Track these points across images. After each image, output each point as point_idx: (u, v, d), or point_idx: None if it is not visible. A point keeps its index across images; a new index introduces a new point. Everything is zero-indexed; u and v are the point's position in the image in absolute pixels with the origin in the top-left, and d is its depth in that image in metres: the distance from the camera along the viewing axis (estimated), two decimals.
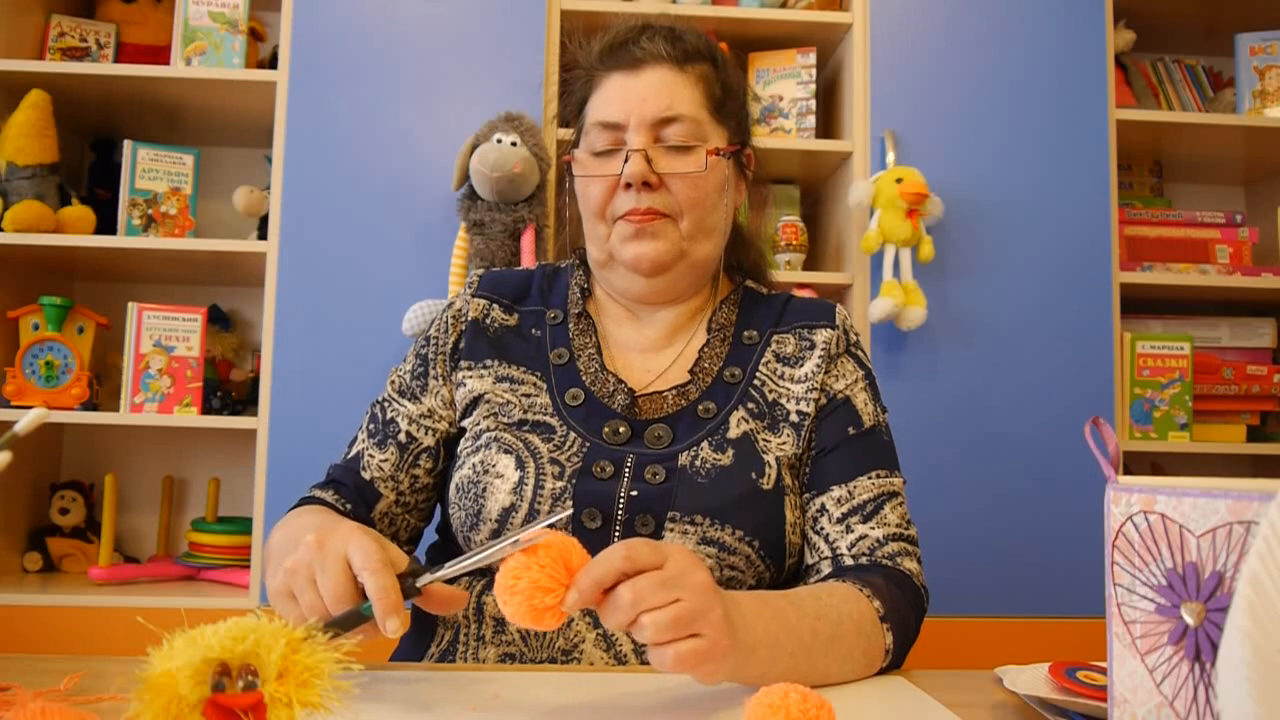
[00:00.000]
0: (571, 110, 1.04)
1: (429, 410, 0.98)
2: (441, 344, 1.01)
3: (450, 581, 0.71)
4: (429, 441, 0.98)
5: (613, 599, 0.63)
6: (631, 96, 0.95)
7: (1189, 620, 0.50)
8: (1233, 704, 0.43)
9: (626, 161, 0.93)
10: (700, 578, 0.66)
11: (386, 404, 1.00)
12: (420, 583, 0.67)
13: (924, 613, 0.89)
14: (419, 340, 1.03)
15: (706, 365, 0.97)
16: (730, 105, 1.00)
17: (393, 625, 0.63)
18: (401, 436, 0.97)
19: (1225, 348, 2.03)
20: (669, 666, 0.63)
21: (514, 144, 1.67)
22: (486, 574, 0.89)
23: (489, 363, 0.98)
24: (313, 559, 0.68)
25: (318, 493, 0.97)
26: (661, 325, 1.01)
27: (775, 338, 1.00)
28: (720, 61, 1.01)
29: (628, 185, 0.94)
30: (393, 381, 1.02)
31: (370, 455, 0.97)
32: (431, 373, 1.00)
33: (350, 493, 0.96)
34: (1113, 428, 1.81)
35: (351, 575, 0.66)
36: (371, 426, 0.99)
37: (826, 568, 0.90)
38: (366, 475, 0.96)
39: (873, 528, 0.90)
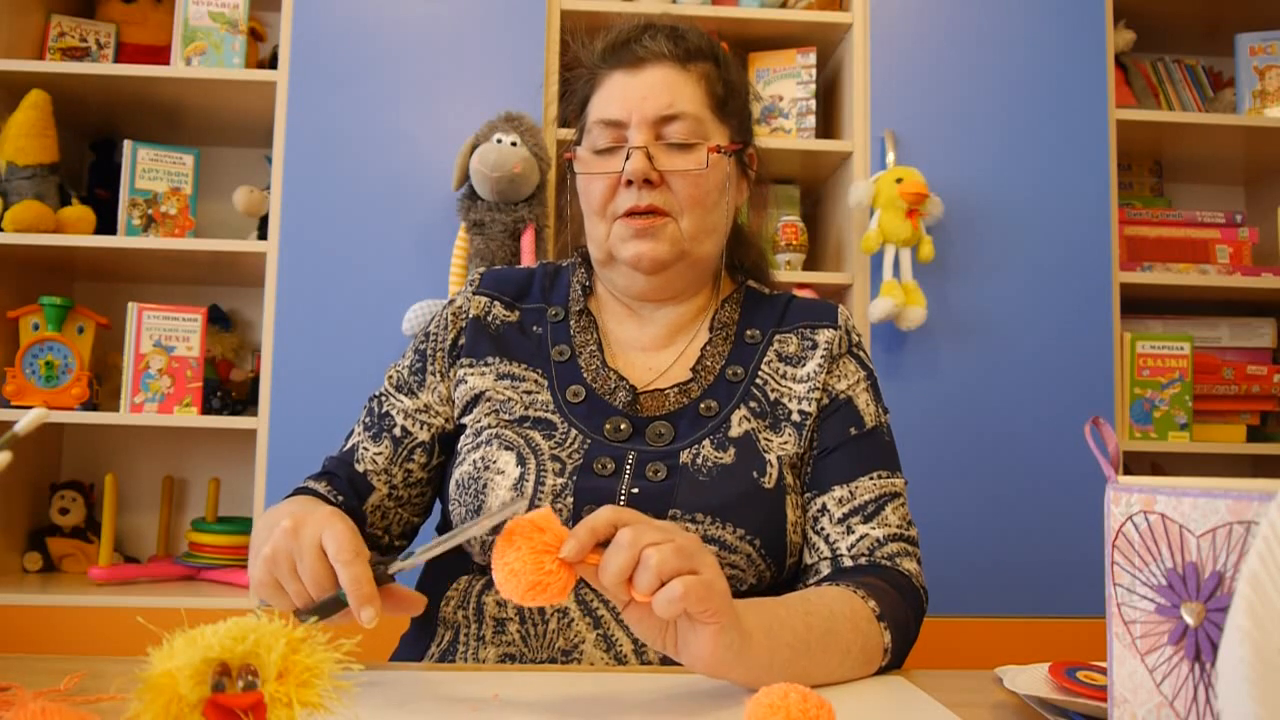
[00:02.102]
0: (573, 109, 1.04)
1: (425, 405, 0.98)
2: (441, 340, 1.01)
3: (441, 574, 0.71)
4: (424, 436, 0.98)
5: (614, 542, 0.64)
6: (633, 94, 0.95)
7: (1189, 620, 0.50)
8: (1233, 704, 0.43)
9: (628, 159, 0.93)
10: (690, 534, 0.68)
11: (383, 398, 1.00)
12: (392, 569, 0.68)
13: (923, 613, 0.89)
14: (419, 336, 1.03)
15: (709, 363, 0.98)
16: (732, 104, 1.00)
17: (368, 615, 0.64)
18: (396, 430, 0.97)
19: (1225, 348, 2.03)
20: (678, 599, 0.63)
21: (514, 144, 1.67)
22: (487, 573, 0.89)
23: (490, 360, 0.98)
24: (290, 546, 0.69)
25: (310, 483, 0.96)
26: (663, 324, 1.01)
27: (778, 337, 1.00)
28: (722, 60, 1.01)
29: (629, 182, 0.94)
30: (390, 376, 1.02)
31: (365, 448, 0.97)
32: (429, 369, 1.00)
33: (343, 484, 0.96)
34: (1113, 428, 1.81)
35: (329, 561, 0.67)
36: (367, 420, 0.99)
37: (826, 568, 0.90)
38: (360, 468, 0.96)
39: (873, 528, 0.90)
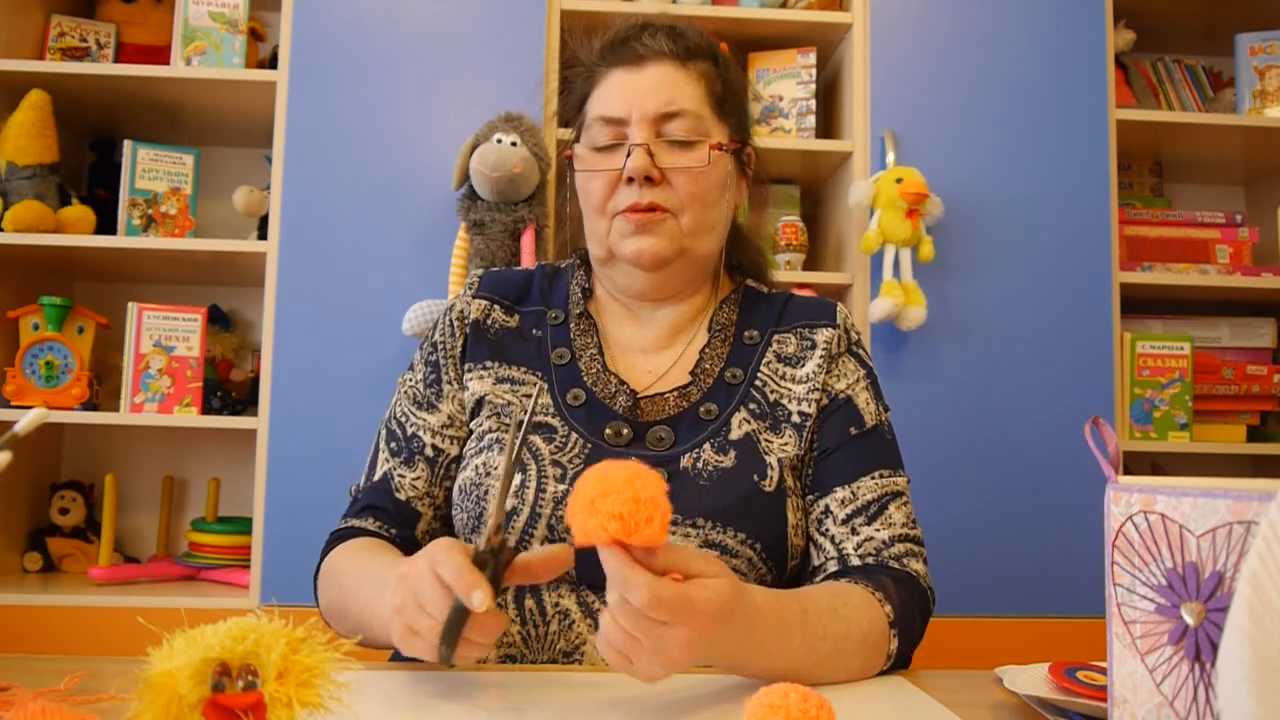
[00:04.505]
0: (572, 107, 1.04)
1: (449, 418, 0.98)
2: (450, 348, 1.00)
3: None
4: (455, 451, 0.97)
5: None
6: (633, 92, 0.95)
7: (1189, 620, 0.50)
8: (1233, 704, 0.43)
9: (629, 156, 0.93)
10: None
11: (405, 419, 0.99)
12: (481, 542, 0.69)
13: (929, 615, 0.89)
14: (424, 347, 1.02)
15: (708, 366, 0.97)
16: (731, 102, 1.00)
17: (478, 599, 0.64)
18: (428, 451, 0.96)
19: (1225, 348, 2.03)
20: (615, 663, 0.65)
21: (514, 144, 1.67)
22: None
23: (488, 364, 0.98)
24: (411, 588, 0.69)
25: (355, 522, 0.95)
26: (663, 325, 1.01)
27: (776, 337, 0.99)
28: (721, 60, 1.01)
29: (629, 180, 0.93)
30: (406, 394, 1.00)
31: (400, 475, 0.96)
32: (445, 378, 0.99)
33: (390, 517, 0.95)
34: (1113, 428, 1.81)
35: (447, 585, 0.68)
36: (393, 445, 0.98)
37: (834, 567, 0.90)
38: (401, 496, 0.95)
39: (878, 529, 0.90)
